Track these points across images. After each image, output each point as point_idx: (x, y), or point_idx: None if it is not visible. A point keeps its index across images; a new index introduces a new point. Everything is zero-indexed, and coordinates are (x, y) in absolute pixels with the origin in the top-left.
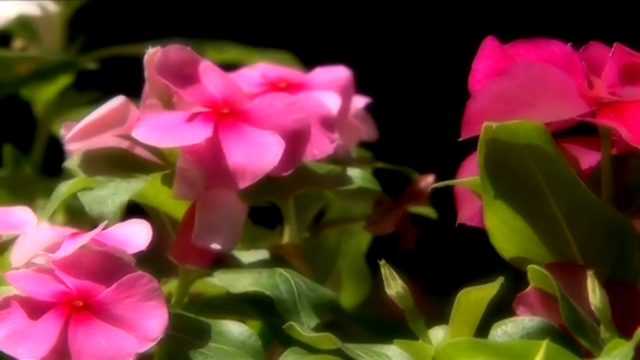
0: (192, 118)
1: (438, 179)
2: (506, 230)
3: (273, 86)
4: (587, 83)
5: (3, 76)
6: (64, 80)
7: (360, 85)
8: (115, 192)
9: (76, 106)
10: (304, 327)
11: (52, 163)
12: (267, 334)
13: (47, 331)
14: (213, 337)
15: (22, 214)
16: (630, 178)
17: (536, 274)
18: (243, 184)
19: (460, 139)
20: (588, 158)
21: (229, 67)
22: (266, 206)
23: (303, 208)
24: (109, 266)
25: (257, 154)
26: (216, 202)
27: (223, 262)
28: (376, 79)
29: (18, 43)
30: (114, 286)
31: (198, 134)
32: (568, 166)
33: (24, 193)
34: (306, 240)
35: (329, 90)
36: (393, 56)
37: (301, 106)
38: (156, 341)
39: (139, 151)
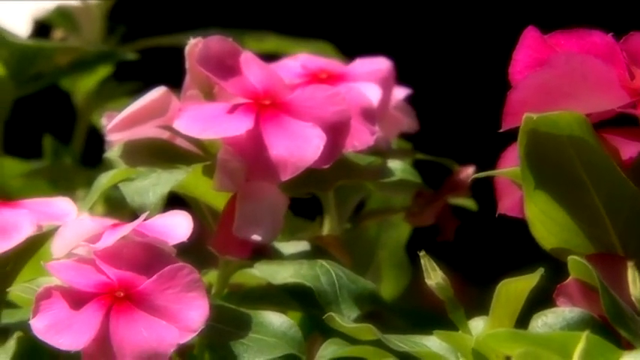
0: (233, 109)
1: (478, 170)
2: (546, 221)
3: (314, 77)
4: (628, 74)
5: (43, 66)
6: (103, 71)
7: (401, 76)
8: (156, 183)
9: (116, 97)
10: (344, 318)
11: (92, 154)
12: (308, 325)
13: (88, 321)
14: (254, 328)
15: (62, 204)
16: None
17: (577, 265)
18: (285, 176)
19: (501, 130)
20: (628, 149)
21: (269, 57)
22: (306, 197)
23: (343, 200)
24: (150, 257)
25: (298, 146)
26: (256, 194)
27: (264, 253)
28: (417, 70)
29: (58, 34)
30: (155, 277)
31: (240, 126)
32: (608, 157)
33: (64, 183)
34: (346, 231)
35: (370, 81)
36: (434, 47)
37: (342, 98)
38: (197, 332)
39: (179, 142)
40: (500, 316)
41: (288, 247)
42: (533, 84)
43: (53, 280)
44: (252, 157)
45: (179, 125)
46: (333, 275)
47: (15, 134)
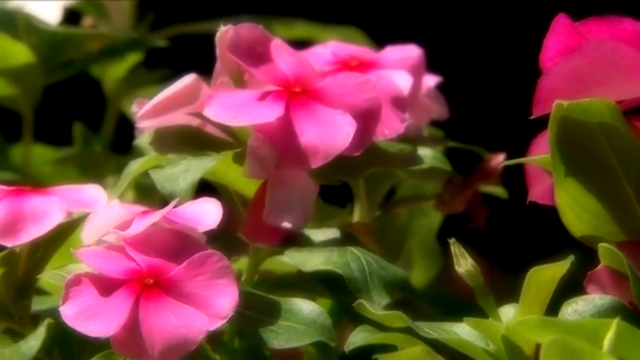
0: (263, 96)
1: (508, 157)
2: (577, 208)
3: (345, 65)
4: None
5: (73, 53)
6: (133, 58)
7: (432, 63)
8: (186, 170)
9: (146, 84)
10: (374, 305)
11: (122, 141)
12: (338, 312)
13: (118, 308)
14: (284, 315)
15: (92, 191)
16: None
17: (607, 252)
18: (315, 164)
19: (531, 118)
20: None
21: (298, 44)
22: (337, 185)
23: (373, 187)
24: (179, 244)
25: (329, 134)
26: (287, 181)
27: (294, 240)
28: (447, 58)
29: (88, 21)
30: (184, 263)
31: (270, 113)
32: (639, 144)
33: (94, 170)
34: (376, 218)
35: (400, 69)
36: (465, 34)
37: (373, 86)
38: (226, 319)
39: (210, 129)
40: (530, 303)
41: (319, 235)
42: (563, 71)
43: (83, 267)
44: (282, 144)
45: (209, 112)
46: (364, 262)
47: (45, 121)
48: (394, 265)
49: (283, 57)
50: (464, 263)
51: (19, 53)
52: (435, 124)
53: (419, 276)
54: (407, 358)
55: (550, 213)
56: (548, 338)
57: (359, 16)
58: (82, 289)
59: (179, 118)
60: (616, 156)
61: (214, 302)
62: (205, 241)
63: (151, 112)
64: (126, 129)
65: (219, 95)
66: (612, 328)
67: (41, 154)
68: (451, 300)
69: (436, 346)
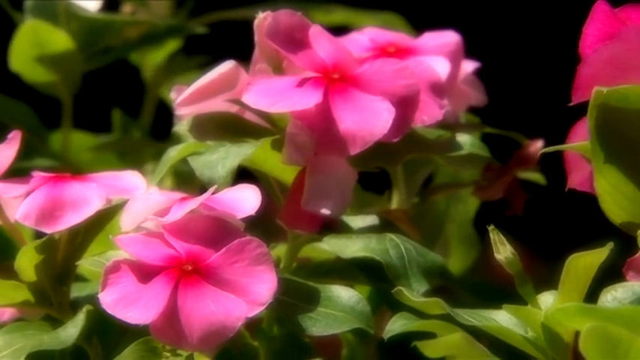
0: (302, 83)
1: (547, 144)
2: (616, 195)
3: (383, 51)
4: None
5: (112, 40)
6: (172, 45)
7: (470, 49)
8: (225, 157)
9: (185, 71)
10: (413, 292)
11: (161, 128)
12: (376, 299)
13: (157, 295)
14: (322, 302)
15: (131, 178)
16: None
17: None
18: (354, 150)
19: (570, 104)
20: None
21: (336, 29)
22: (375, 171)
23: (411, 174)
24: (218, 231)
25: (368, 120)
26: (325, 168)
27: (332, 227)
28: (485, 44)
29: (127, 8)
30: (223, 250)
31: (309, 99)
32: None
33: (133, 157)
34: (414, 205)
35: (438, 55)
36: (503, 20)
37: (411, 72)
38: (265, 306)
39: (248, 115)
40: (569, 290)
41: (357, 221)
42: (603, 58)
43: (122, 254)
44: (321, 130)
45: (248, 99)
46: (402, 249)
47: (84, 108)
48: (432, 251)
49: (322, 43)
50: (503, 250)
51: (59, 40)
52: (473, 110)
53: (456, 263)
54: (446, 345)
55: (589, 200)
56: (587, 325)
57: (398, 2)
58: (121, 276)
59: (218, 104)
60: None
61: (253, 289)
62: (244, 227)
63: (189, 98)
64: (165, 115)
65: (258, 82)
66: None
67: (80, 141)
68: (490, 287)
69: (475, 333)
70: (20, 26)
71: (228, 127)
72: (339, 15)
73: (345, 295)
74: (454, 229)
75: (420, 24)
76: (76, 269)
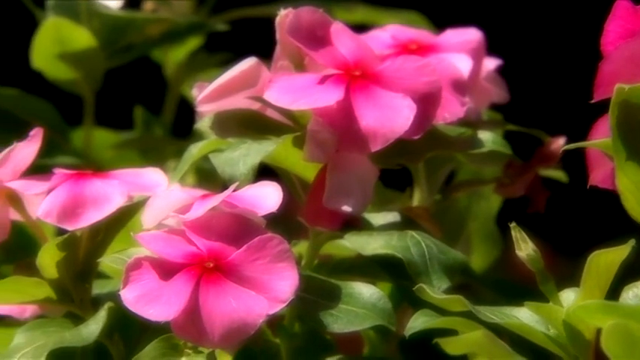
0: (323, 80)
1: (569, 141)
2: (638, 192)
3: (404, 48)
4: None
5: (134, 38)
6: (194, 42)
7: (492, 47)
8: (246, 154)
9: (207, 68)
10: (435, 289)
11: (183, 125)
12: (398, 296)
13: (178, 292)
14: (344, 299)
15: (153, 175)
16: None
17: None
18: (375, 147)
19: (592, 102)
20: None
21: (358, 28)
22: (396, 168)
23: (433, 171)
24: (239, 228)
25: (389, 117)
26: (347, 165)
27: (354, 224)
28: (507, 41)
29: (149, 5)
30: (244, 247)
31: (330, 96)
32: None
33: (154, 154)
34: (436, 202)
35: (460, 52)
36: (525, 17)
37: (432, 69)
38: (286, 303)
39: (270, 112)
40: (591, 287)
41: (378, 218)
42: (624, 55)
43: (143, 251)
44: (342, 127)
45: (269, 96)
46: (424, 246)
47: (106, 105)
48: (453, 248)
49: (343, 40)
50: (525, 247)
51: (81, 38)
52: (495, 107)
53: (478, 260)
54: (467, 343)
55: (611, 197)
56: (608, 323)
57: (419, 1)
58: (143, 273)
59: (239, 101)
60: None
61: (274, 286)
62: (265, 224)
63: (211, 95)
64: (186, 113)
65: (280, 79)
66: None
67: (102, 138)
68: (511, 284)
69: (496, 330)
70: (42, 24)
71: (250, 125)
72: (361, 13)
73: (366, 292)
74: (476, 227)
75: (441, 22)
76: (97, 266)
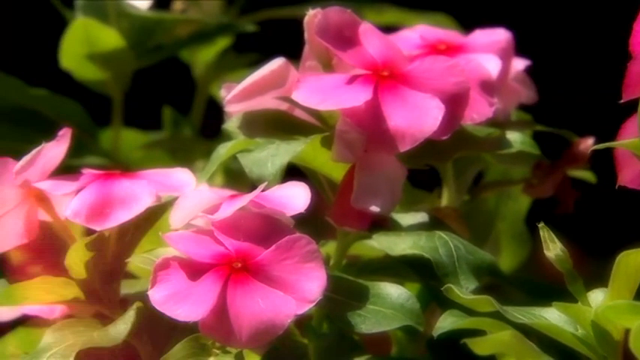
0: (351, 80)
1: (597, 142)
2: None
3: (433, 49)
4: None
5: (162, 38)
6: (223, 42)
7: (520, 47)
8: (274, 154)
9: (235, 69)
10: (463, 289)
11: (211, 125)
12: (426, 296)
13: (206, 292)
14: (372, 300)
15: (181, 175)
16: None
17: None
18: (403, 147)
19: (621, 102)
20: None
21: (387, 29)
22: (425, 169)
23: (461, 171)
24: (267, 228)
25: (417, 117)
26: (375, 165)
27: (382, 224)
28: (536, 42)
29: (178, 5)
30: (273, 247)
31: (358, 97)
32: None
33: (183, 154)
34: (464, 203)
35: (489, 53)
36: (554, 18)
37: (461, 70)
38: (314, 303)
39: (298, 113)
40: (619, 288)
41: (407, 219)
42: None
43: (171, 251)
44: (370, 128)
45: (298, 96)
46: (452, 247)
47: (135, 106)
48: (482, 249)
49: (371, 41)
50: (553, 248)
51: (110, 38)
52: (524, 108)
53: (507, 260)
54: (495, 343)
55: (639, 197)
56: (637, 323)
57: (448, 2)
58: (171, 273)
59: (267, 102)
60: None
61: (302, 286)
62: (293, 225)
63: (239, 95)
64: (215, 113)
65: (308, 79)
66: None
67: (131, 139)
68: (539, 284)
69: (525, 330)
70: (71, 24)
71: (278, 125)
72: (391, 15)
73: (394, 292)
74: (505, 227)
75: (470, 25)
76: (125, 266)
